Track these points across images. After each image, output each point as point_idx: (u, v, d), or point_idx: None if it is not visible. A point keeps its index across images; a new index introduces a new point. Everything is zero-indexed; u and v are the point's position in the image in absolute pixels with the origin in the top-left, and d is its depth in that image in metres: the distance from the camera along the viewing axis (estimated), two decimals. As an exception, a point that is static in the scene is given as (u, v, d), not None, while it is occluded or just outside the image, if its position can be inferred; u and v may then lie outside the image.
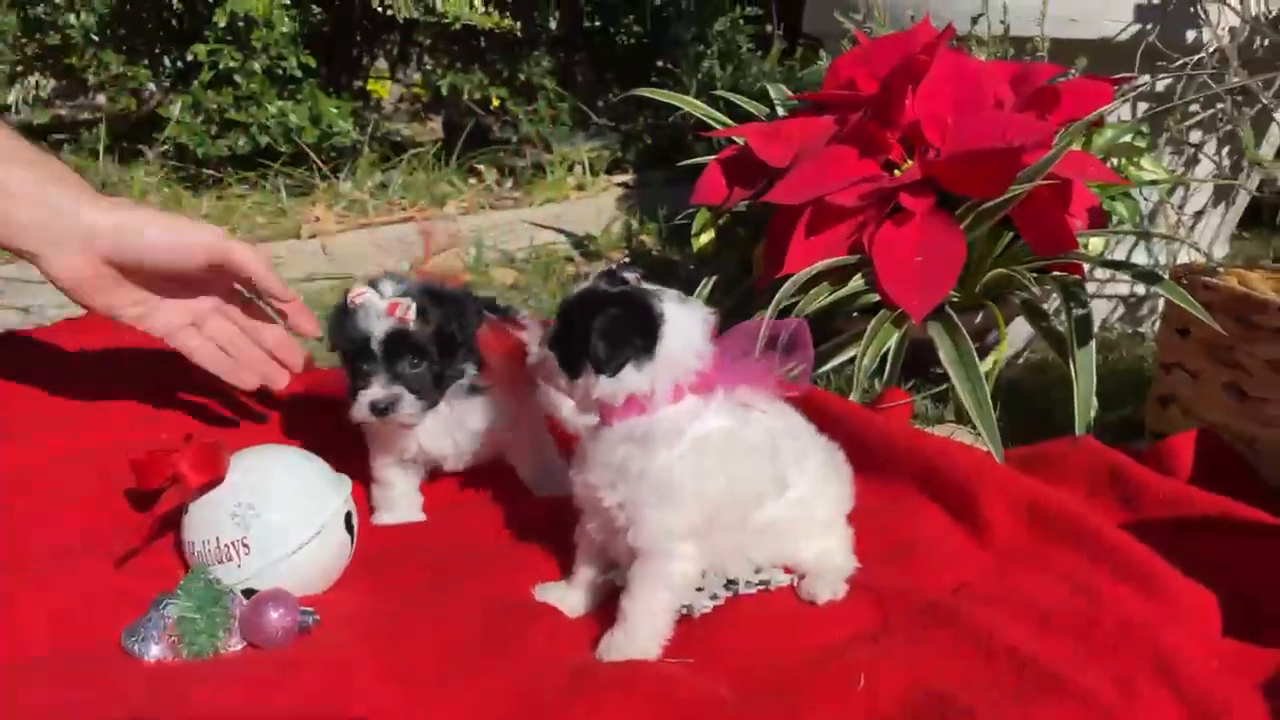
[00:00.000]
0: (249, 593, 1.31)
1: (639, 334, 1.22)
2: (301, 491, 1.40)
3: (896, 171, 2.16)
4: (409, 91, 4.75)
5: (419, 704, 1.17)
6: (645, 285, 1.29)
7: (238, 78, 3.60)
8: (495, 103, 4.36)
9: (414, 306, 1.47)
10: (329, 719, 1.13)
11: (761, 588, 1.40)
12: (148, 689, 1.16)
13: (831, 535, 1.45)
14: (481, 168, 4.08)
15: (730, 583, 1.38)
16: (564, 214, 3.86)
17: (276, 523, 1.35)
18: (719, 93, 2.88)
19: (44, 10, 3.52)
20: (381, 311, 1.46)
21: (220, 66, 3.60)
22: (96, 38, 3.55)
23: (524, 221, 3.69)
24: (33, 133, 3.80)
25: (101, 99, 4.10)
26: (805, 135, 2.30)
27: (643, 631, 1.26)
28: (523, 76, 4.39)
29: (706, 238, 2.51)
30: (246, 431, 1.77)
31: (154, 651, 1.22)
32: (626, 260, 1.54)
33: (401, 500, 1.67)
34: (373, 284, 1.51)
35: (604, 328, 1.20)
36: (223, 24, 3.53)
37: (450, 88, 4.33)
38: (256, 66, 3.63)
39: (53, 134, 3.91)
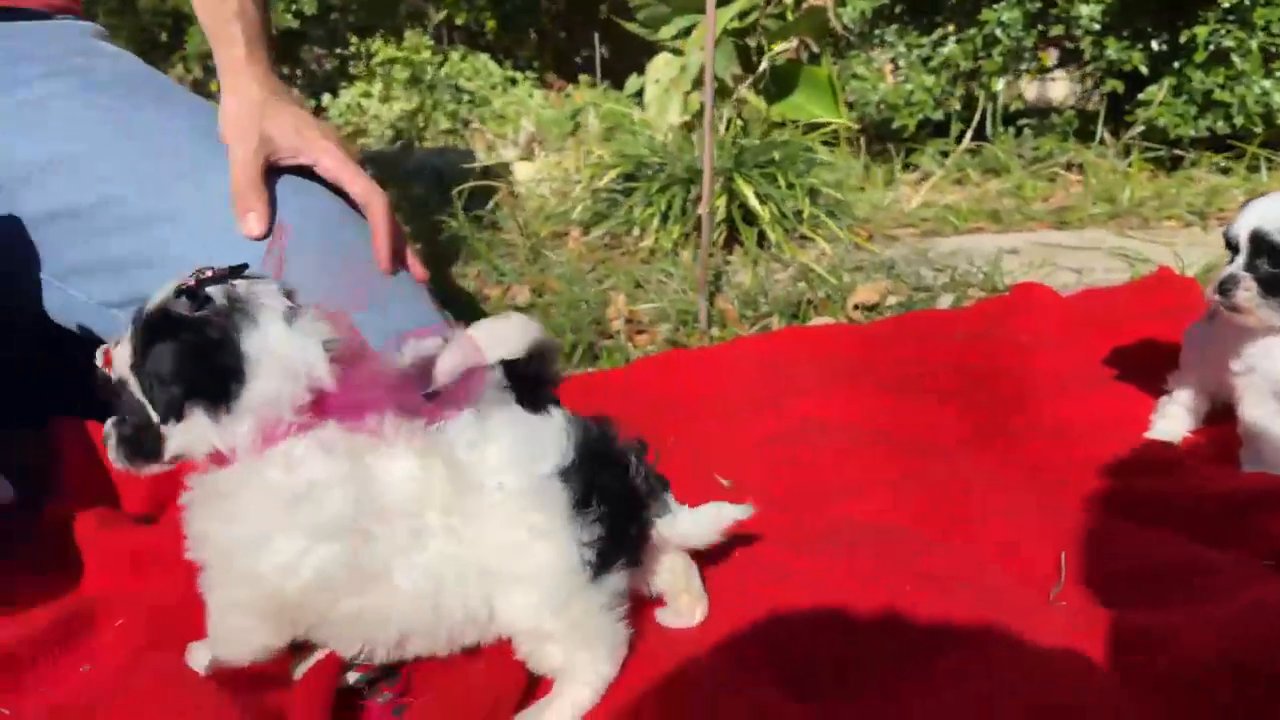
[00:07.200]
0: None
1: (210, 375, 0.93)
2: None
3: None
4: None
5: None
6: (240, 301, 0.94)
7: (1234, 57, 3.60)
8: None
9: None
10: None
11: None
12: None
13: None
14: None
15: None
16: None
17: None
18: None
19: (1049, 4, 3.93)
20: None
21: (1213, 47, 3.63)
22: (1099, 25, 3.85)
23: None
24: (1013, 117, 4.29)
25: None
26: None
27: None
28: None
29: None
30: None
31: None
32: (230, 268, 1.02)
33: None
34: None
35: (161, 367, 0.93)
36: (1226, 4, 3.55)
37: None
38: (1253, 45, 3.58)
39: (1021, 119, 4.38)
